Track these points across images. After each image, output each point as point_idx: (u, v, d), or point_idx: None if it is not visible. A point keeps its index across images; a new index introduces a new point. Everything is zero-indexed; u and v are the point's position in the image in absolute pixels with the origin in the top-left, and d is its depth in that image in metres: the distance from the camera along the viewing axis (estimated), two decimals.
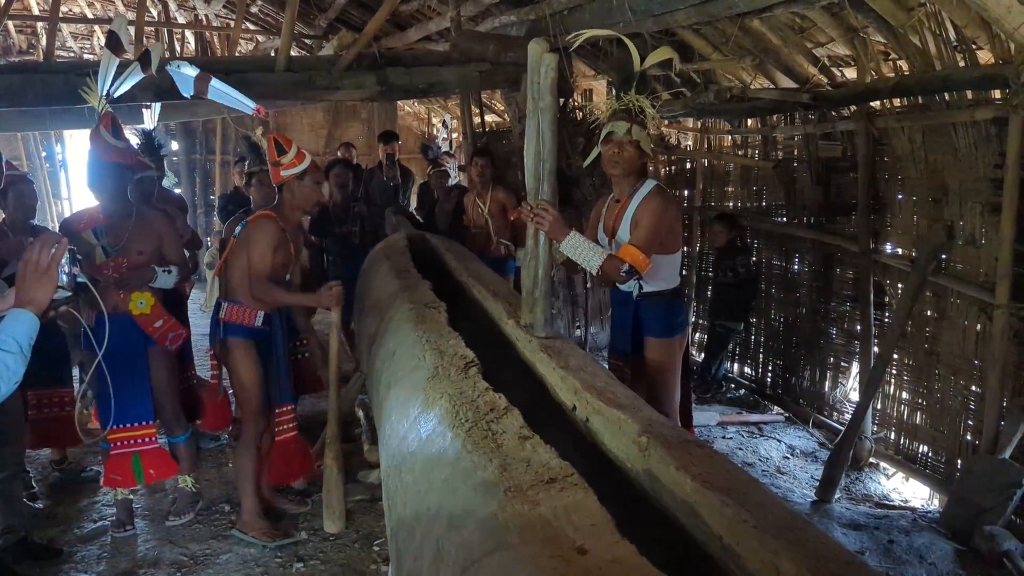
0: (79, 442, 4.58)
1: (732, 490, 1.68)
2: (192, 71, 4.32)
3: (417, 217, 7.17)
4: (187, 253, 5.21)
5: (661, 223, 3.38)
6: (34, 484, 4.45)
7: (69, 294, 2.16)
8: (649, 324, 3.65)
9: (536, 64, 2.93)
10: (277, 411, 4.01)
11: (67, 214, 11.79)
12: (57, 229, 3.74)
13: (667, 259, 3.54)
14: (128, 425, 3.78)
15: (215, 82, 4.28)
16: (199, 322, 5.32)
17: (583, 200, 5.95)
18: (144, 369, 3.84)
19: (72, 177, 13.07)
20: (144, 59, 4.10)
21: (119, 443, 3.78)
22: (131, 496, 3.96)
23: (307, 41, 10.16)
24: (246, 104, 4.30)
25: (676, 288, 3.67)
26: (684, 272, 3.88)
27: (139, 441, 3.81)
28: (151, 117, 5.65)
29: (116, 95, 4.07)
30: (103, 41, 12.19)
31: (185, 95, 4.34)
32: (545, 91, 2.94)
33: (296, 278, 3.89)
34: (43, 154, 12.42)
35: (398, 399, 2.74)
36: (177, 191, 8.18)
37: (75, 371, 4.77)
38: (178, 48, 10.71)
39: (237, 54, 9.49)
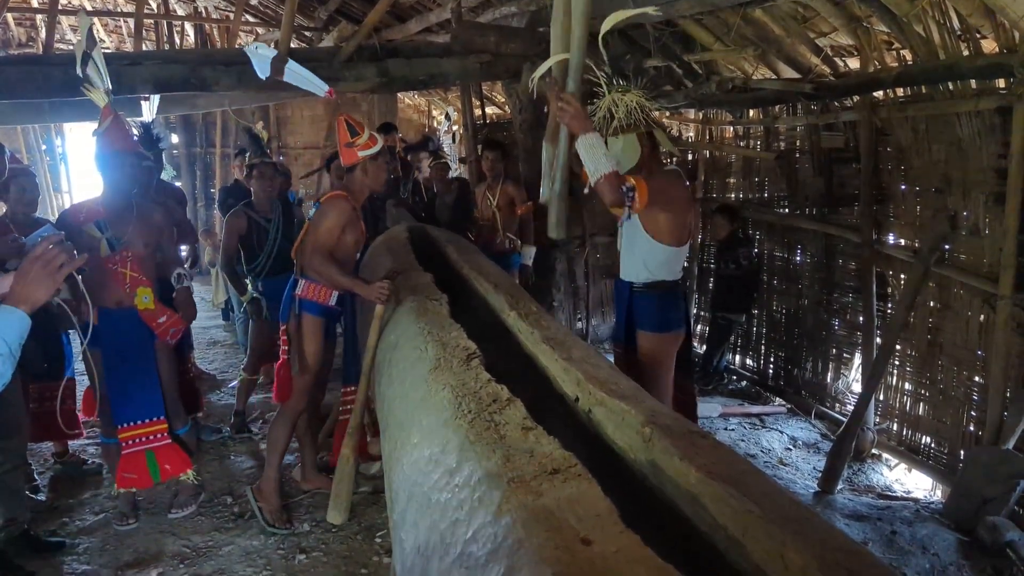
0: (80, 434, 4.59)
1: (736, 481, 1.67)
2: (269, 53, 4.33)
3: (418, 210, 7.15)
4: (184, 247, 5.22)
5: (667, 186, 3.37)
6: (36, 477, 4.45)
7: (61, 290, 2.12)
8: (641, 317, 3.66)
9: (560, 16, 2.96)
10: (344, 390, 4.13)
11: (68, 206, 11.80)
12: (57, 222, 3.70)
13: (673, 251, 3.54)
14: (139, 423, 3.78)
15: (291, 64, 4.31)
16: (202, 314, 5.31)
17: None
18: (152, 364, 3.84)
19: (72, 170, 13.05)
20: (90, 41, 4.02)
21: (131, 441, 3.77)
22: (133, 489, 3.96)
23: (307, 33, 10.12)
24: (319, 87, 4.32)
25: (674, 282, 3.66)
26: (685, 265, 3.85)
27: (151, 438, 3.81)
28: (150, 109, 5.64)
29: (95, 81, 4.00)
30: (101, 34, 12.21)
31: (261, 76, 4.35)
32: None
33: (348, 267, 3.92)
34: (43, 147, 12.39)
35: (400, 391, 2.73)
36: (177, 184, 8.17)
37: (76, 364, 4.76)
38: (177, 41, 10.68)
39: (237, 46, 9.46)
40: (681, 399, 4.29)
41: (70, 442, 4.73)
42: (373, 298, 3.70)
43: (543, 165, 3.37)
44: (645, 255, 3.60)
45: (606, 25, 3.08)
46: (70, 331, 3.72)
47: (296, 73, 4.30)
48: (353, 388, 4.04)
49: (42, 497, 4.31)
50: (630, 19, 3.21)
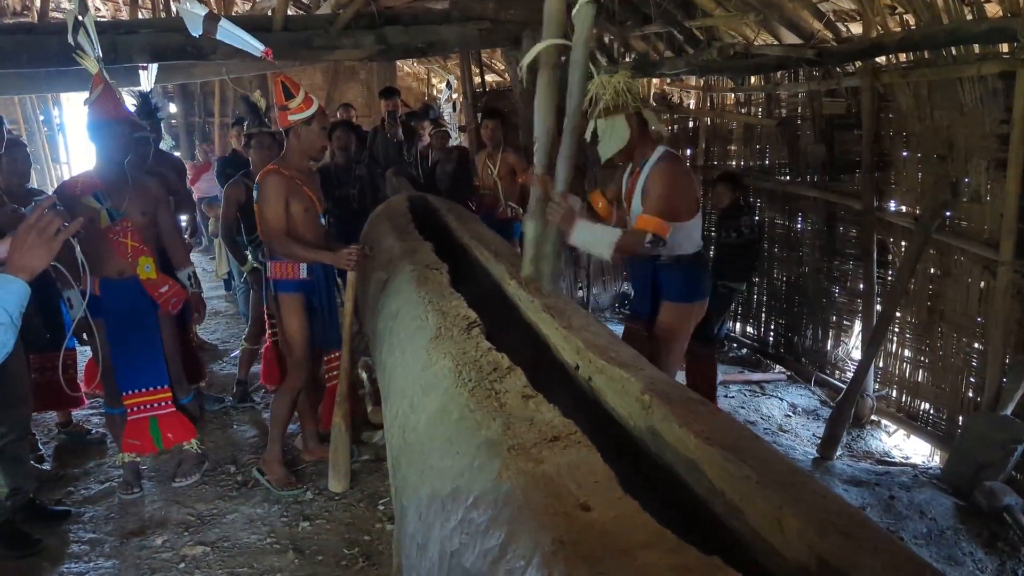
0: (81, 402, 4.62)
1: (735, 447, 1.68)
2: (201, 10, 4.24)
3: (419, 179, 7.13)
4: (184, 217, 5.20)
5: (670, 187, 3.38)
6: (40, 447, 4.49)
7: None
8: (668, 288, 3.67)
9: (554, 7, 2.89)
10: (326, 358, 4.13)
11: (66, 178, 11.76)
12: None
13: (683, 227, 3.53)
14: (143, 390, 3.80)
15: (224, 22, 4.21)
16: (205, 285, 5.31)
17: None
18: (155, 333, 3.85)
19: (70, 140, 12.98)
20: (81, 6, 3.97)
21: (135, 408, 3.80)
22: (137, 458, 4.00)
23: (304, 0, 10.01)
24: (255, 46, 4.25)
25: (697, 253, 3.67)
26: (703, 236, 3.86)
27: (155, 405, 3.84)
28: (148, 79, 5.59)
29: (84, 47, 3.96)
30: (97, 2, 12.07)
31: (193, 34, 4.27)
32: (579, 43, 2.88)
33: (310, 234, 3.87)
34: (41, 118, 12.33)
35: (401, 360, 2.75)
36: (176, 154, 8.13)
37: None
38: (174, 9, 10.56)
39: (234, 14, 9.36)
40: (700, 368, 4.32)
41: (73, 412, 4.77)
42: (341, 265, 3.73)
43: (526, 243, 3.29)
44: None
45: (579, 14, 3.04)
46: (69, 297, 3.72)
47: (229, 32, 4.19)
48: (336, 354, 4.07)
49: (47, 467, 4.35)
50: None
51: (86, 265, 2.58)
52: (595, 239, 3.27)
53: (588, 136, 3.57)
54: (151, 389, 3.81)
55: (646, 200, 3.44)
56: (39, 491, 3.89)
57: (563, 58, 3.13)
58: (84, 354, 4.54)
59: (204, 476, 4.16)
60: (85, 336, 3.79)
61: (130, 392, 3.77)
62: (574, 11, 2.92)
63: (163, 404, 3.85)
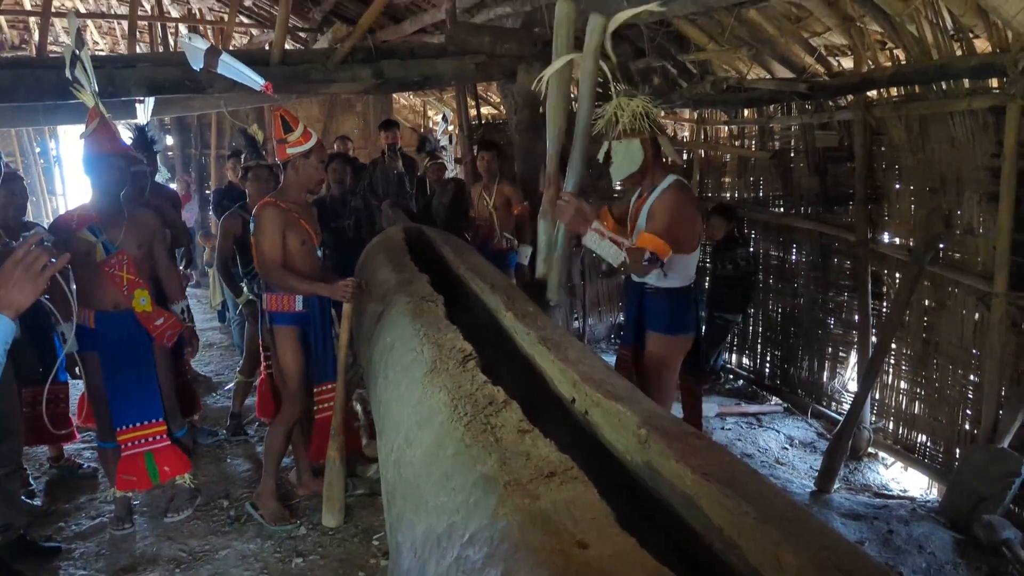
0: (72, 436, 4.58)
1: (732, 482, 1.67)
2: (203, 44, 4.28)
3: (413, 210, 7.15)
4: (179, 250, 5.19)
5: (676, 215, 3.39)
6: (32, 481, 4.44)
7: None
8: (652, 318, 3.66)
9: (564, 20, 2.95)
10: (317, 389, 4.07)
11: (62, 210, 11.76)
12: (49, 230, 3.69)
13: (681, 258, 3.54)
14: (138, 424, 3.76)
15: (225, 56, 4.25)
16: (200, 317, 5.30)
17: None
18: (151, 366, 3.83)
19: (66, 173, 13.02)
20: (78, 42, 4.00)
21: (130, 443, 3.75)
22: (129, 493, 3.95)
23: (301, 34, 10.11)
24: (255, 80, 4.28)
25: (686, 287, 3.67)
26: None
27: (150, 439, 3.79)
28: (145, 112, 5.61)
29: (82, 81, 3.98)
30: (95, 36, 12.18)
31: (195, 68, 4.31)
32: (589, 55, 2.94)
33: (307, 266, 3.88)
34: (37, 150, 12.36)
35: (396, 393, 2.73)
36: (172, 186, 8.14)
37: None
38: (172, 43, 10.65)
39: (231, 48, 9.44)
40: (686, 399, 4.31)
41: (65, 446, 4.72)
42: (337, 297, 3.73)
43: (540, 243, 3.35)
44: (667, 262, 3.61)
45: (614, 23, 3.10)
46: (63, 332, 3.70)
47: (230, 66, 4.23)
48: (327, 386, 4.04)
49: (38, 502, 4.29)
50: (635, 16, 3.25)
51: (75, 299, 2.55)
52: (604, 248, 3.27)
53: (601, 157, 3.61)
54: (146, 423, 3.77)
55: (650, 221, 3.45)
56: (30, 527, 3.83)
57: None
58: (76, 387, 4.50)
59: (197, 511, 4.11)
60: (77, 370, 3.77)
61: (124, 427, 3.73)
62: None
63: (158, 438, 3.82)
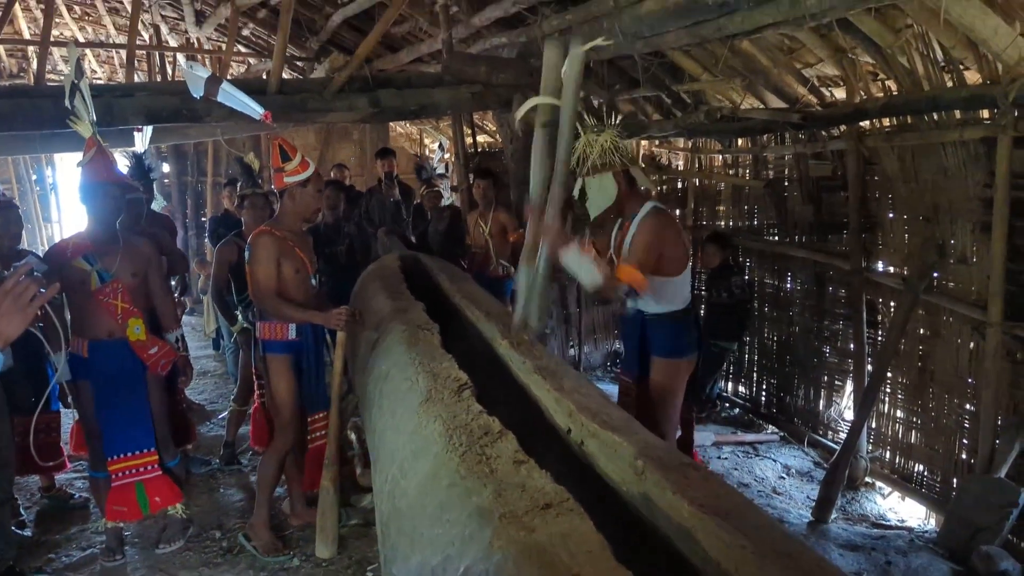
0: (63, 465, 4.54)
1: (729, 514, 1.66)
2: (204, 72, 4.30)
3: (409, 238, 7.17)
4: (174, 278, 5.18)
5: (655, 241, 3.41)
6: (22, 511, 4.39)
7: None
8: (656, 343, 3.67)
9: (554, 62, 2.98)
10: (310, 419, 4.05)
11: (57, 237, 11.75)
12: (44, 258, 3.69)
13: (671, 281, 3.56)
14: (129, 454, 3.73)
15: (226, 85, 4.28)
16: (194, 344, 5.28)
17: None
18: (143, 396, 3.80)
19: (62, 200, 13.03)
20: (78, 72, 4.03)
21: (120, 473, 3.72)
22: (121, 524, 3.91)
23: (299, 63, 10.17)
24: (254, 109, 4.30)
25: (685, 308, 3.69)
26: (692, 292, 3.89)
27: (141, 470, 3.76)
28: (142, 140, 5.64)
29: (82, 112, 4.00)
30: (93, 64, 12.25)
31: (195, 96, 4.33)
32: (570, 81, 2.97)
33: (301, 295, 3.88)
34: (33, 177, 12.39)
35: (391, 422, 2.72)
36: (162, 211, 8.15)
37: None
38: (170, 72, 10.72)
39: (229, 77, 9.49)
40: (680, 423, 4.30)
41: (56, 476, 4.68)
42: (331, 325, 3.74)
43: (519, 289, 3.34)
44: (654, 289, 3.61)
45: (571, 62, 3.11)
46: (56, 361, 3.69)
47: (231, 95, 4.26)
48: (320, 415, 4.02)
49: (28, 532, 4.24)
50: (627, 48, 3.27)
51: (63, 328, 2.54)
52: (582, 268, 3.27)
53: (576, 193, 3.61)
54: (137, 453, 3.74)
55: (630, 251, 3.47)
56: (20, 558, 3.79)
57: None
58: (69, 416, 4.47)
59: (189, 542, 4.07)
60: (70, 399, 3.74)
61: (116, 457, 3.70)
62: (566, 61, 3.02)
63: (149, 468, 3.78)
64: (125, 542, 4.02)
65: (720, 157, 6.86)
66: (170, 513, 3.95)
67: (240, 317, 4.95)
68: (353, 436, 4.94)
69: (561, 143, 3.09)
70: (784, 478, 5.23)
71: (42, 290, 1.83)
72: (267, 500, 3.96)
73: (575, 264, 3.24)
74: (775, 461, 5.48)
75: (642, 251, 3.40)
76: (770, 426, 6.15)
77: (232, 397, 5.41)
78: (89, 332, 3.64)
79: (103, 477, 3.79)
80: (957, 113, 4.03)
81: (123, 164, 4.48)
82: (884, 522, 4.62)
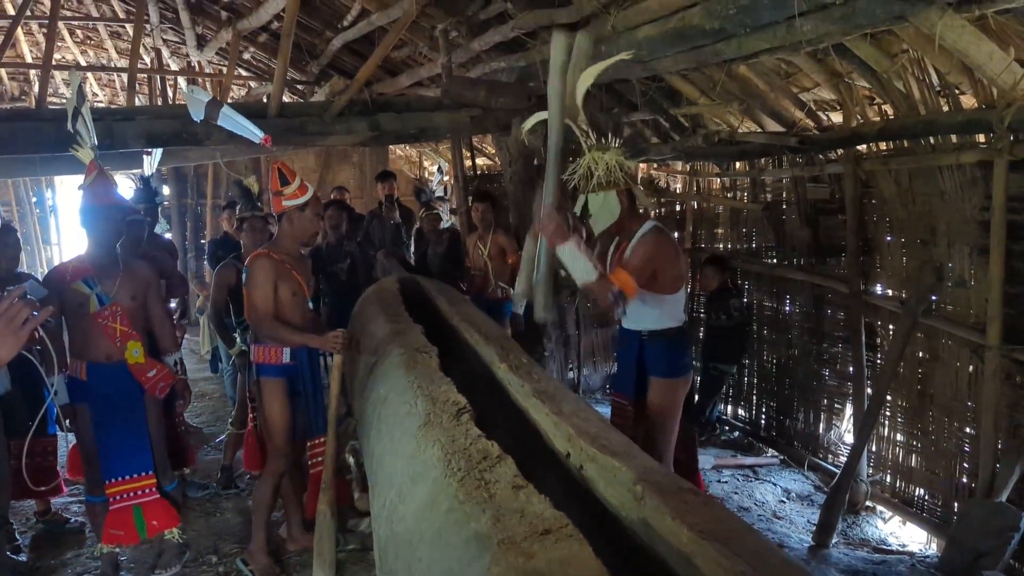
0: (59, 488, 4.51)
1: (728, 539, 1.66)
2: (205, 96, 4.33)
3: (409, 260, 7.18)
4: (173, 301, 5.17)
5: (653, 256, 3.43)
6: (17, 536, 4.35)
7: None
8: (654, 364, 3.67)
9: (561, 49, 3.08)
10: (310, 444, 4.01)
11: (56, 260, 11.76)
12: (43, 281, 3.69)
13: (669, 298, 3.58)
14: (127, 477, 3.70)
15: (226, 108, 4.30)
16: (191, 366, 5.26)
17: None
18: (142, 419, 3.79)
19: (62, 222, 13.05)
20: (79, 96, 4.05)
21: (118, 497, 3.69)
22: (116, 549, 3.88)
23: (299, 87, 10.23)
24: (255, 133, 4.32)
25: (681, 327, 3.69)
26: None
27: (139, 493, 3.73)
28: (151, 163, 5.65)
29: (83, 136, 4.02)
30: (95, 87, 12.32)
31: (196, 119, 4.35)
32: (576, 68, 3.06)
33: (297, 318, 3.87)
34: (33, 200, 12.41)
35: (390, 446, 2.71)
36: (168, 236, 8.17)
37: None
38: (171, 95, 10.78)
39: (229, 100, 9.54)
40: (681, 444, 4.28)
41: (52, 500, 4.65)
42: (328, 349, 3.73)
43: (523, 259, 3.40)
44: (649, 306, 3.62)
45: (584, 82, 3.17)
46: (53, 383, 3.68)
47: (231, 118, 4.29)
48: (320, 440, 4.00)
49: (23, 557, 4.21)
50: (610, 70, 3.32)
51: (59, 351, 2.53)
52: (577, 264, 3.29)
53: (578, 210, 3.64)
54: (135, 476, 3.72)
55: (627, 259, 3.49)
56: None
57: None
58: (63, 439, 4.44)
59: (185, 567, 4.03)
60: (68, 423, 3.72)
61: (114, 480, 3.67)
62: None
63: (147, 491, 3.76)
64: (121, 567, 3.98)
65: (718, 180, 6.89)
66: (166, 538, 3.92)
67: (239, 340, 4.94)
68: (351, 460, 4.92)
69: (552, 134, 3.13)
70: (784, 502, 5.20)
71: (35, 313, 1.83)
72: (263, 524, 3.93)
73: (571, 258, 3.26)
74: (775, 484, 5.46)
75: (638, 261, 3.43)
76: (770, 449, 6.13)
77: (230, 420, 5.38)
78: (88, 355, 3.63)
79: (100, 501, 3.76)
80: (953, 137, 4.06)
81: (127, 187, 4.49)
82: (885, 547, 4.59)
